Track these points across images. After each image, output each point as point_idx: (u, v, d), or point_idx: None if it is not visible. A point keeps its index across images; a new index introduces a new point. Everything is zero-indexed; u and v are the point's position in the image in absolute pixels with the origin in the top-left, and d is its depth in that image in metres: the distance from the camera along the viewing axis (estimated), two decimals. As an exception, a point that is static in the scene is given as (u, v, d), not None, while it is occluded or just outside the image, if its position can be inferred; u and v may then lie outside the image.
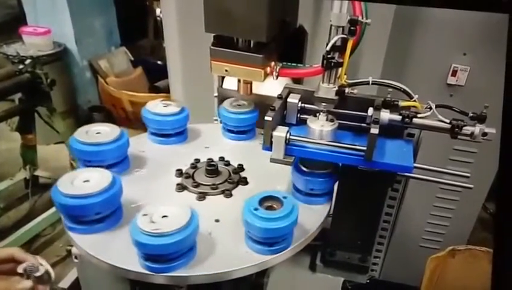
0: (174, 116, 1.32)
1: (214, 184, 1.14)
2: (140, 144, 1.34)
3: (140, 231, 0.85)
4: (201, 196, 1.12)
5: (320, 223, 1.06)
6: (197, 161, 1.25)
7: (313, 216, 1.08)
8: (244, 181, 1.18)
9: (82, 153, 1.13)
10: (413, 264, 1.84)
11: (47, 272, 0.98)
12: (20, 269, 0.91)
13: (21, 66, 2.39)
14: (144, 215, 0.88)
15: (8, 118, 2.60)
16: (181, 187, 1.15)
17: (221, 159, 1.27)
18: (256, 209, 0.91)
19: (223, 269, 0.91)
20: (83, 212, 0.96)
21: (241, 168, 1.23)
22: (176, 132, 1.35)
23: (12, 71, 2.38)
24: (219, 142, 1.40)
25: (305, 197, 1.11)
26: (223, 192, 1.13)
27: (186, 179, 1.17)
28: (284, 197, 0.95)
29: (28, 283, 0.90)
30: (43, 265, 0.99)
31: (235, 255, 0.94)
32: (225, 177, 1.18)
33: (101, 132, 1.16)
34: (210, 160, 1.21)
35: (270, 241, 0.94)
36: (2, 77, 2.34)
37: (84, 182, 0.98)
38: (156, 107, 1.33)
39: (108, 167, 1.14)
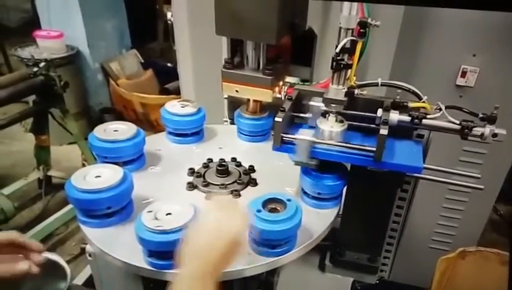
0: (191, 117, 1.35)
1: (223, 184, 1.16)
2: (157, 142, 1.38)
3: (143, 228, 0.87)
4: (210, 196, 1.13)
5: (327, 227, 1.07)
6: (210, 160, 1.27)
7: (319, 220, 1.08)
8: (253, 182, 1.20)
9: (100, 150, 1.17)
10: (423, 265, 1.83)
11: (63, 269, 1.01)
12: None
13: (35, 69, 2.44)
14: (149, 212, 0.91)
15: (22, 119, 2.65)
16: (191, 186, 1.17)
17: (233, 159, 1.29)
18: (259, 211, 0.92)
19: (227, 268, 0.91)
20: (94, 206, 0.99)
21: (252, 169, 1.25)
22: (192, 132, 1.39)
23: (27, 74, 2.44)
24: (233, 143, 1.43)
25: (313, 201, 1.12)
26: (231, 192, 1.15)
27: (197, 178, 1.19)
28: (288, 200, 0.96)
29: (25, 265, 0.91)
30: (60, 263, 1.02)
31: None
32: (235, 178, 1.20)
33: (119, 130, 1.21)
34: (222, 160, 1.23)
35: (273, 243, 0.94)
36: (17, 79, 2.39)
37: (96, 178, 1.01)
38: (173, 107, 1.37)
39: (124, 163, 1.19)
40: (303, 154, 1.01)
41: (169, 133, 1.40)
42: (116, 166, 1.06)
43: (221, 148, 1.38)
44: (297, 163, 1.03)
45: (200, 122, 1.38)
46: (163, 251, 0.89)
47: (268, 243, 0.94)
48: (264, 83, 1.18)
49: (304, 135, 1.00)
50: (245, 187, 1.18)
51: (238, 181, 1.18)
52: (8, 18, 5.77)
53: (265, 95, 1.20)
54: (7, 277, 0.88)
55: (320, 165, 1.08)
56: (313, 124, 1.10)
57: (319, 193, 1.09)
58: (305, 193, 1.13)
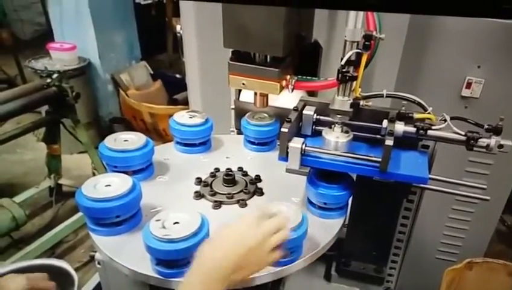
0: (199, 127, 1.37)
1: (229, 193, 1.18)
2: (165, 152, 1.41)
3: (151, 236, 0.89)
4: (217, 205, 1.15)
5: (332, 237, 1.07)
6: (217, 170, 1.29)
7: (325, 230, 1.09)
8: (259, 192, 1.21)
9: (110, 159, 1.20)
10: (429, 276, 1.81)
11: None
12: None
13: (48, 80, 2.51)
14: (157, 220, 0.92)
15: (35, 128, 2.72)
16: (199, 195, 1.19)
17: (240, 169, 1.30)
18: None
19: (244, 278, 0.90)
20: (104, 214, 1.01)
21: (258, 179, 1.26)
22: (199, 142, 1.40)
23: (40, 85, 2.51)
24: (240, 152, 1.44)
25: (319, 211, 1.12)
26: (238, 202, 1.16)
27: (204, 188, 1.21)
28: None
29: (22, 281, 0.93)
30: (68, 270, 1.04)
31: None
32: (241, 187, 1.21)
33: (128, 140, 1.23)
34: (228, 170, 1.25)
35: None
36: (31, 90, 2.47)
37: (106, 187, 1.03)
38: (182, 117, 1.39)
39: (134, 172, 1.21)
40: (295, 162, 1.02)
41: (177, 143, 1.42)
42: (126, 175, 1.08)
43: (228, 158, 1.40)
44: (288, 171, 1.04)
45: (207, 132, 1.40)
46: (171, 260, 0.90)
47: (274, 252, 0.95)
48: (272, 76, 1.15)
49: (295, 143, 1.01)
50: (251, 197, 1.19)
51: (244, 191, 1.20)
52: (22, 31, 5.94)
53: (273, 88, 1.17)
54: None
55: (326, 176, 1.09)
56: (308, 132, 1.12)
57: (324, 203, 1.10)
58: (310, 202, 1.14)
